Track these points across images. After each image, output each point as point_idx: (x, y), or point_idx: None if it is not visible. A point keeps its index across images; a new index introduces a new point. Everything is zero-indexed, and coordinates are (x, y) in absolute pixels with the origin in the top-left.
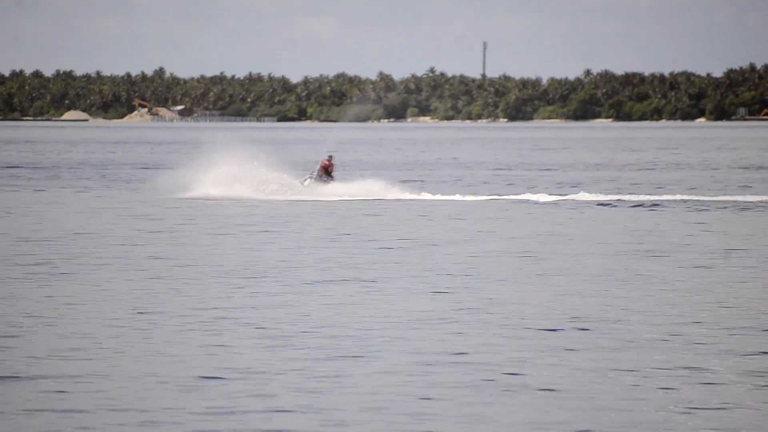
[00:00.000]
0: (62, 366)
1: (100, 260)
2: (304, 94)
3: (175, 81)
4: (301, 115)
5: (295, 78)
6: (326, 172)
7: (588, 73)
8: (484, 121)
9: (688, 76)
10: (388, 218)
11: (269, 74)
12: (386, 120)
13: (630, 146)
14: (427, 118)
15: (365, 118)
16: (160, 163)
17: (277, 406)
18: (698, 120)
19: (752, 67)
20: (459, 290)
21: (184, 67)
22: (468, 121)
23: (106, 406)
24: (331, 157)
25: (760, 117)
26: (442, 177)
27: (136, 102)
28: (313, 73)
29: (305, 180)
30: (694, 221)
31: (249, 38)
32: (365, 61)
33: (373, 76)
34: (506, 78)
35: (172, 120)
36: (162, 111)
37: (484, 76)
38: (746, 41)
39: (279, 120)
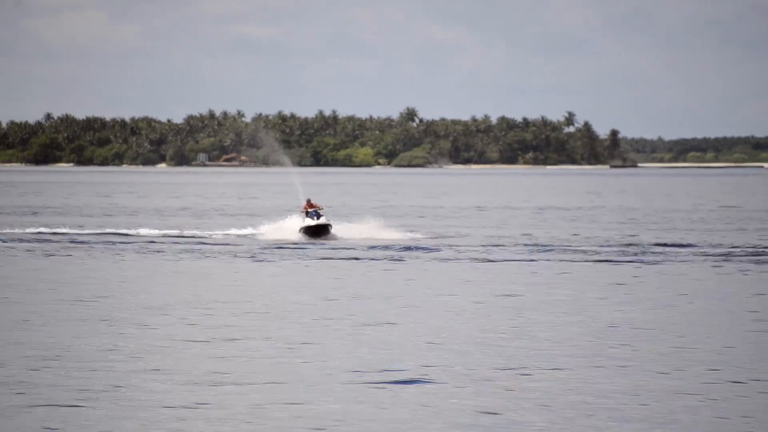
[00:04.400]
0: None
1: None
2: None
3: None
4: None
5: None
6: (310, 207)
7: (49, 117)
8: None
9: (149, 122)
10: None
11: None
12: None
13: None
14: None
15: None
16: None
17: None
18: (159, 165)
19: (212, 114)
20: None
21: None
22: None
23: None
24: (309, 199)
25: (220, 163)
26: None
27: None
28: None
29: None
30: None
31: None
32: None
33: None
34: None
35: None
36: None
37: None
38: (205, 87)
39: None
